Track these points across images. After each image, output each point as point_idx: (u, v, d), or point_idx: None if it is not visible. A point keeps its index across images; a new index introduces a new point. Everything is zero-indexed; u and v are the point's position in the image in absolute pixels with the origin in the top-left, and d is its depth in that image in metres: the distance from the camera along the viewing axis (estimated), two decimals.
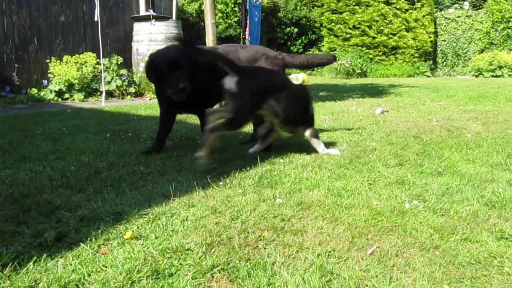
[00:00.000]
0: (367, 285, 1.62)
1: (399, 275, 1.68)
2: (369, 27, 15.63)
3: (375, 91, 9.07)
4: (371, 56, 15.76)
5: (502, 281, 1.66)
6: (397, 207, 2.37)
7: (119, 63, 8.18)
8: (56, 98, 7.60)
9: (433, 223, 2.16)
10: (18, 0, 7.56)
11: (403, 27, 15.82)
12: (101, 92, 7.54)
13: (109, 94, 8.02)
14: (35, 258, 1.74)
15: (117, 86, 7.96)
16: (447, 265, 1.76)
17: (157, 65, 3.33)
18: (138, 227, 2.08)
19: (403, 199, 2.48)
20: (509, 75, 14.26)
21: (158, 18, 8.64)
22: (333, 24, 15.93)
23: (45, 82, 7.77)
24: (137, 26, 8.70)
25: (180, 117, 5.54)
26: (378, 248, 1.90)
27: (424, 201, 2.47)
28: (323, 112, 5.79)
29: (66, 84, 7.61)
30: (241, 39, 13.00)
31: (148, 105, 6.89)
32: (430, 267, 1.74)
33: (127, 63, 8.66)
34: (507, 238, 2.00)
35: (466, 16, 16.99)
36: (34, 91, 7.64)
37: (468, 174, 2.99)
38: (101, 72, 7.74)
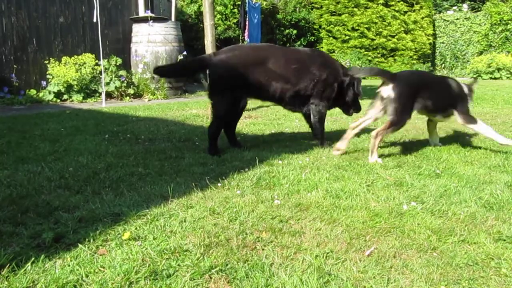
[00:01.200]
0: (364, 286, 1.62)
1: (397, 277, 1.68)
2: (368, 29, 15.64)
3: (374, 93, 9.08)
4: (370, 58, 15.78)
5: (499, 283, 1.66)
6: (395, 208, 2.37)
7: (118, 64, 8.17)
8: (54, 99, 7.59)
9: (431, 224, 2.17)
10: (17, 1, 7.55)
11: (402, 29, 15.83)
12: (100, 93, 7.53)
13: (108, 95, 8.01)
14: (33, 259, 1.74)
15: (115, 87, 7.95)
16: (444, 267, 1.76)
17: None
18: (136, 228, 2.08)
19: (401, 201, 2.49)
20: (508, 77, 14.27)
21: (157, 20, 8.64)
22: (332, 26, 15.94)
23: (43, 83, 7.75)
24: (136, 28, 8.70)
25: (179, 118, 5.55)
26: (376, 249, 1.90)
27: (422, 202, 2.47)
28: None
29: (65, 85, 7.60)
30: (240, 41, 13.00)
31: (146, 106, 6.89)
32: (427, 269, 1.74)
33: (126, 64, 8.65)
34: (504, 240, 2.01)
35: (465, 18, 17.02)
36: (32, 92, 7.63)
37: (466, 176, 3.00)
38: (100, 73, 7.74)
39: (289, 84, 3.67)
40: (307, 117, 4.01)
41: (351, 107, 4.14)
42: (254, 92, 3.71)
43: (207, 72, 3.67)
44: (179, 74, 3.87)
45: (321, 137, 3.91)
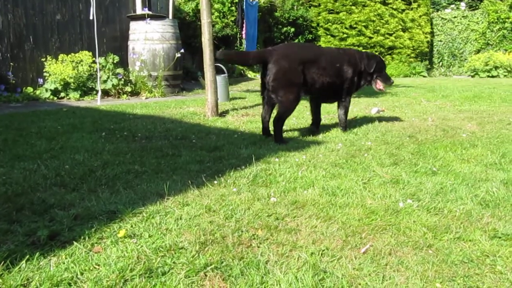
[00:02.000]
0: (360, 284, 1.62)
1: (392, 274, 1.68)
2: (366, 27, 15.62)
3: (371, 91, 9.08)
4: None
5: (495, 280, 1.67)
6: (391, 206, 2.37)
7: (115, 62, 8.14)
8: (51, 97, 7.56)
9: (426, 222, 2.17)
10: None
11: (400, 27, 15.81)
12: (97, 91, 7.51)
13: (105, 93, 7.99)
14: (27, 256, 1.73)
15: (113, 85, 7.92)
16: (440, 264, 1.77)
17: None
18: (132, 226, 2.07)
19: (397, 198, 2.49)
20: (505, 75, 14.28)
21: (154, 17, 8.60)
22: (329, 24, 15.92)
23: (40, 80, 7.71)
24: (133, 25, 8.67)
25: (176, 116, 5.54)
26: (372, 246, 1.90)
27: (418, 200, 2.47)
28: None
29: (62, 83, 7.56)
30: (238, 39, 12.99)
31: (144, 104, 6.88)
32: (423, 266, 1.74)
33: (124, 62, 8.62)
34: (500, 237, 2.01)
35: (462, 16, 17.01)
36: (29, 89, 7.60)
37: (462, 174, 3.00)
38: (97, 71, 7.72)
39: (332, 79, 4.24)
40: (318, 107, 4.64)
41: (376, 82, 4.57)
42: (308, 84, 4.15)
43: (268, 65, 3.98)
44: (242, 62, 4.32)
45: (344, 125, 4.60)
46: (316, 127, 4.66)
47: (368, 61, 4.46)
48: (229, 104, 6.89)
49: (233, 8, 12.97)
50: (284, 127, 4.80)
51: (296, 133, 4.53)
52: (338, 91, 4.40)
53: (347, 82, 4.37)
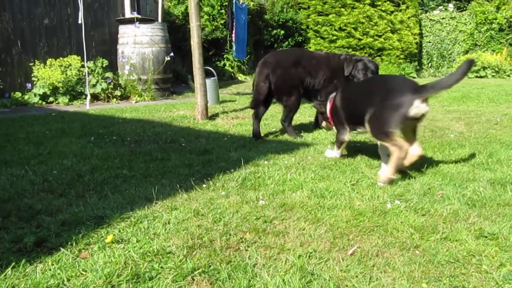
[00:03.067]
0: (347, 286, 1.63)
1: (379, 275, 1.69)
2: (355, 29, 15.70)
3: None
4: None
5: (480, 279, 1.68)
6: (379, 207, 2.39)
7: (104, 66, 8.10)
8: (40, 101, 7.50)
9: (414, 222, 2.19)
10: (1, 3, 7.45)
11: (389, 28, 15.91)
12: (86, 96, 7.47)
13: (95, 97, 7.94)
14: (13, 263, 1.72)
15: (102, 89, 7.89)
16: (426, 264, 1.78)
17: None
18: (119, 231, 2.06)
19: (385, 199, 2.51)
20: (493, 75, 14.43)
21: (143, 21, 8.58)
22: (319, 26, 15.97)
23: (29, 85, 7.65)
24: (123, 29, 8.64)
25: (166, 119, 5.53)
26: (359, 248, 1.91)
27: (405, 201, 2.49)
28: (309, 113, 5.82)
29: (51, 87, 7.51)
30: (228, 42, 12.99)
31: (133, 108, 6.85)
32: (409, 267, 1.75)
33: (113, 66, 8.57)
34: (486, 237, 2.03)
35: (451, 17, 17.16)
36: (17, 94, 7.53)
37: (450, 174, 3.02)
38: (86, 75, 7.67)
39: (313, 79, 4.52)
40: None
41: None
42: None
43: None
44: None
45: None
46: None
47: (346, 64, 4.56)
48: (219, 107, 6.89)
49: (223, 11, 12.97)
50: (273, 129, 4.82)
51: (285, 135, 4.54)
52: (318, 90, 4.61)
53: (325, 82, 4.55)
